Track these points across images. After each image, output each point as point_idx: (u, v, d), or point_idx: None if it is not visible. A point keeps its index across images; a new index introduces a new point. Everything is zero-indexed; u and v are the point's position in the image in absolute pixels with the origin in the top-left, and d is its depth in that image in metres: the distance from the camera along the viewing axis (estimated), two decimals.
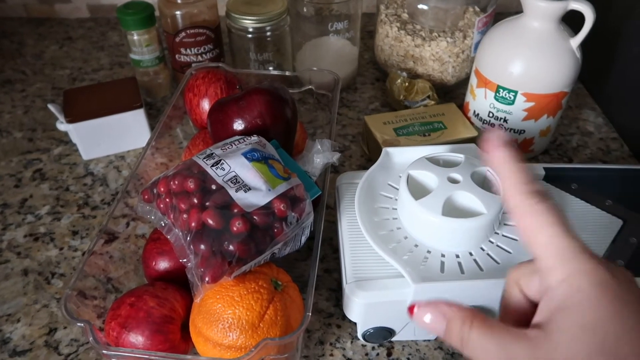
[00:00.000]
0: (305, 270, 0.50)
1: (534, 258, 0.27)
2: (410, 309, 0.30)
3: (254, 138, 0.44)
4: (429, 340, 0.45)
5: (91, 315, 0.41)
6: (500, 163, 0.28)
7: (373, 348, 0.45)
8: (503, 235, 0.43)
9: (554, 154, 0.64)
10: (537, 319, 0.26)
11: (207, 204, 0.38)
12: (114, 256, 0.47)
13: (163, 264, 0.44)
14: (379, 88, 0.76)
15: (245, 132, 0.47)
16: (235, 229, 0.37)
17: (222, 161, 0.41)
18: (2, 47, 0.85)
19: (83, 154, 0.63)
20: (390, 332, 0.43)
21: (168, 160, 0.58)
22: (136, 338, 0.38)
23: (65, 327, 0.47)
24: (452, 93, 0.74)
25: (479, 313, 0.27)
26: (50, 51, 0.84)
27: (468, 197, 0.41)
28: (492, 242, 0.42)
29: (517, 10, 0.92)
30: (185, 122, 0.62)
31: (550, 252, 0.26)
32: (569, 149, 0.65)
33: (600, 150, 0.65)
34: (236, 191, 0.39)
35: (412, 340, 0.45)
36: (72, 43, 0.86)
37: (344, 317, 0.47)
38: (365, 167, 0.63)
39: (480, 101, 0.60)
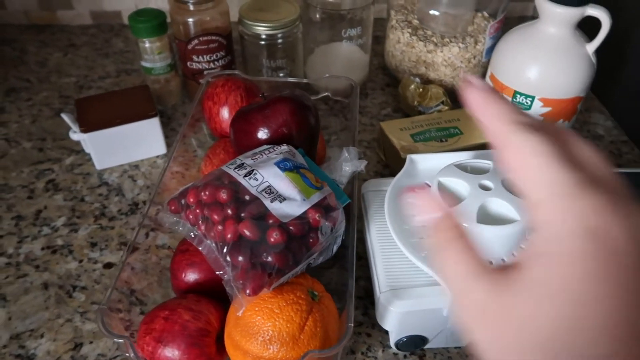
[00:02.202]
0: (332, 278, 0.50)
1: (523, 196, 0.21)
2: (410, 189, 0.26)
3: (284, 147, 0.44)
4: (459, 348, 0.45)
5: (119, 329, 0.41)
6: (483, 101, 0.23)
7: (405, 356, 0.45)
8: None
9: None
10: (515, 259, 0.22)
11: (243, 215, 0.38)
12: (135, 268, 0.47)
13: (193, 276, 0.43)
14: (390, 93, 0.76)
15: (270, 141, 0.47)
16: (272, 239, 0.37)
17: (254, 171, 0.41)
18: (4, 55, 0.83)
19: (97, 163, 0.62)
20: (423, 340, 0.43)
21: (184, 169, 0.57)
22: (172, 352, 0.38)
23: (91, 342, 0.46)
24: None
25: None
26: (54, 58, 0.83)
27: (501, 204, 0.41)
28: (523, 248, 0.43)
29: (522, 15, 0.94)
30: (198, 130, 0.62)
31: (539, 185, 0.20)
32: None
33: (612, 154, 0.66)
34: (271, 202, 0.39)
35: (443, 348, 0.45)
36: (76, 50, 0.85)
37: (374, 325, 0.47)
38: (382, 174, 0.63)
39: None
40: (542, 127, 0.21)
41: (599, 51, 0.56)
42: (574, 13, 0.53)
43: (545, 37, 0.55)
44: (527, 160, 0.21)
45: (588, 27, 0.56)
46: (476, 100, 0.23)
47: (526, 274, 0.20)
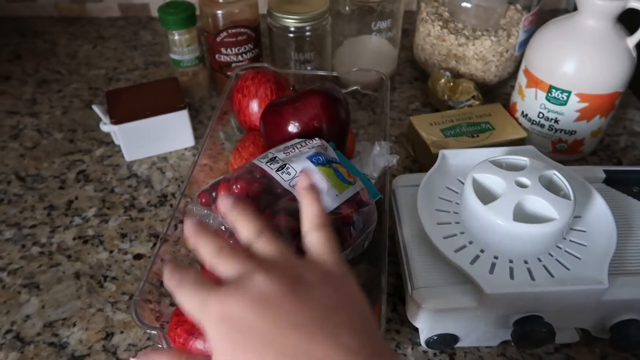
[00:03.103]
0: (360, 273, 0.49)
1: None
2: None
3: (317, 141, 0.43)
4: (491, 347, 0.45)
5: (150, 319, 0.41)
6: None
7: (435, 354, 0.44)
8: (571, 241, 0.42)
9: (602, 155, 0.63)
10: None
11: (277, 208, 0.37)
12: (165, 259, 0.47)
13: None
14: (418, 87, 0.75)
15: (301, 135, 0.47)
16: None
17: (287, 165, 0.40)
18: (35, 47, 0.84)
19: (126, 155, 0.62)
20: (454, 338, 0.42)
21: (212, 161, 0.57)
22: (204, 345, 0.38)
23: (121, 332, 0.46)
24: (493, 92, 0.73)
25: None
26: (83, 51, 0.83)
27: (538, 202, 0.40)
28: (560, 248, 0.42)
29: (554, 8, 0.91)
30: (226, 123, 0.62)
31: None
32: (617, 150, 0.64)
33: None
34: None
35: (474, 347, 0.45)
36: (105, 42, 0.85)
37: (403, 322, 0.46)
38: (411, 169, 0.62)
39: (530, 101, 0.59)
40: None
41: (639, 45, 0.54)
42: (615, 5, 0.51)
43: (584, 30, 0.53)
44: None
45: (629, 20, 0.54)
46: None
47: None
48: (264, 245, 0.30)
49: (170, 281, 0.29)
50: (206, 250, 0.30)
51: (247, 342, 0.26)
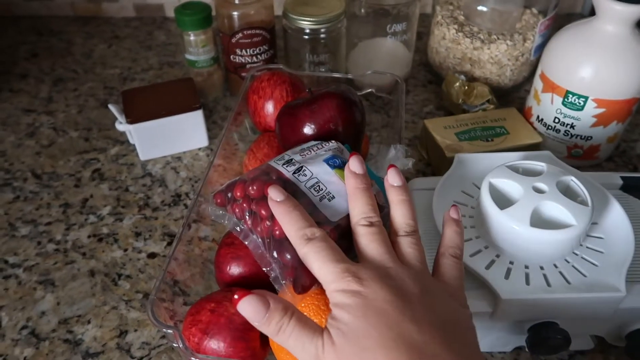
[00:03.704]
0: None
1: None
2: (234, 300, 0.31)
3: (333, 144, 0.43)
4: (504, 353, 0.44)
5: (164, 318, 0.41)
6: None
7: None
8: (587, 247, 0.42)
9: (618, 161, 0.63)
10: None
11: None
12: (178, 258, 0.47)
13: (237, 269, 0.43)
14: (432, 91, 0.75)
15: (317, 137, 0.47)
16: None
17: (303, 168, 0.40)
18: (52, 46, 0.85)
19: (141, 154, 0.63)
20: None
21: (225, 162, 0.57)
22: (218, 345, 0.38)
23: (135, 330, 0.47)
24: (507, 97, 0.72)
25: (295, 307, 0.32)
26: (98, 50, 0.84)
27: (556, 208, 0.40)
28: (576, 254, 0.41)
29: (570, 12, 0.90)
30: (240, 124, 0.62)
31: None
32: (633, 156, 0.63)
33: None
34: (320, 200, 0.38)
35: (487, 352, 0.44)
36: (120, 42, 0.86)
37: None
38: (424, 172, 0.62)
39: (546, 106, 0.59)
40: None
41: None
42: (634, 10, 0.51)
43: (603, 35, 0.53)
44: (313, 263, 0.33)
45: None
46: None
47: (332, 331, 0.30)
48: (411, 245, 0.34)
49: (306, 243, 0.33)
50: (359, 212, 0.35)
51: (380, 321, 0.29)
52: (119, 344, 0.46)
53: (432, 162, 0.62)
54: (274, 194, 0.36)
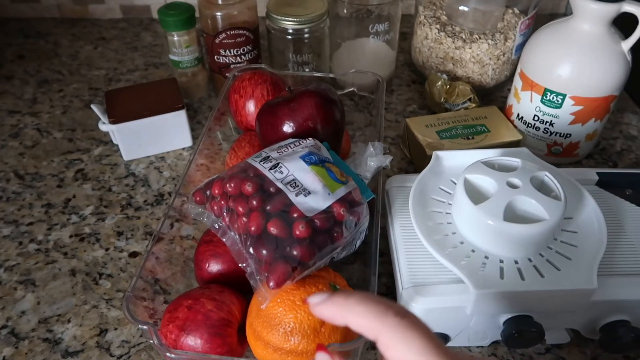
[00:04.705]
0: (353, 273, 0.50)
1: None
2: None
3: (310, 141, 0.44)
4: (482, 347, 0.45)
5: (144, 316, 0.41)
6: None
7: None
8: (561, 242, 0.42)
9: (598, 158, 0.63)
10: None
11: (268, 208, 0.38)
12: (160, 257, 0.47)
13: (216, 267, 0.44)
14: (416, 90, 0.75)
15: (296, 135, 0.47)
16: (297, 233, 0.37)
17: (280, 164, 0.41)
18: (38, 47, 0.85)
19: (124, 154, 0.63)
20: (445, 338, 0.43)
21: (209, 161, 0.57)
22: (195, 341, 0.38)
23: (115, 329, 0.47)
24: (490, 95, 0.73)
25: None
26: (85, 51, 0.84)
27: (529, 203, 0.40)
28: (550, 249, 0.42)
29: (553, 12, 0.91)
30: (224, 124, 0.62)
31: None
32: (613, 154, 0.64)
33: None
34: (296, 195, 0.39)
35: (465, 346, 0.45)
36: (106, 44, 0.86)
37: None
38: (406, 170, 0.63)
39: (525, 104, 0.60)
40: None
41: (634, 49, 0.54)
42: (609, 9, 0.51)
43: (579, 33, 0.54)
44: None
45: (624, 24, 0.54)
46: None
47: None
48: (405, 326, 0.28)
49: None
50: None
51: None
52: (99, 343, 0.46)
53: (414, 160, 0.62)
54: (316, 299, 0.29)
